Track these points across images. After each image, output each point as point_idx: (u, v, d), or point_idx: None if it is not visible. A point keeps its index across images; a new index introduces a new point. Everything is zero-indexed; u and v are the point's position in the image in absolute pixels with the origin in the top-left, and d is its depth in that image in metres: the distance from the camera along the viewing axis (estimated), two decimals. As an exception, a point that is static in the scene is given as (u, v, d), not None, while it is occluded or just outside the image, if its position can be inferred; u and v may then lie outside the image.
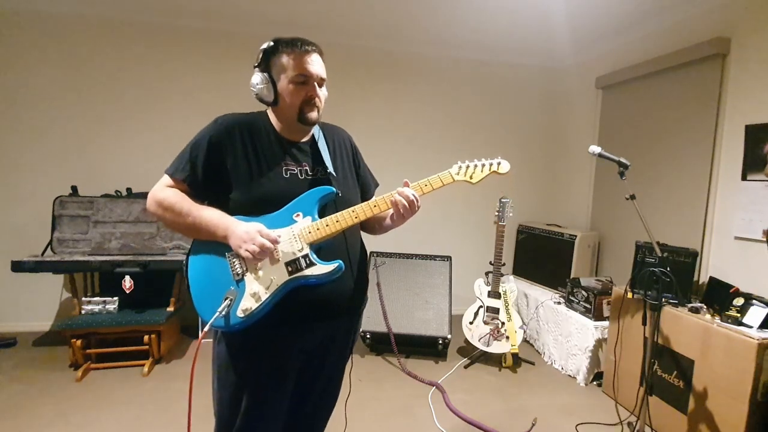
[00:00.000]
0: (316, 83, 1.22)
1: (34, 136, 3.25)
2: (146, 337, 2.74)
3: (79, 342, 2.67)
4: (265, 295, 1.14)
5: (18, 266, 2.71)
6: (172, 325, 3.02)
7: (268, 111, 1.30)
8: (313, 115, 1.23)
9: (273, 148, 1.24)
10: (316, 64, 1.21)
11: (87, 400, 2.40)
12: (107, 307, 2.79)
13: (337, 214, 1.20)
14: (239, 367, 1.21)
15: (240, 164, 1.19)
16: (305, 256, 1.17)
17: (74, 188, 3.11)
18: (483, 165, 1.28)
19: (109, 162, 3.35)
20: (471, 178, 1.27)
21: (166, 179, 1.21)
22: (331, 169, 1.28)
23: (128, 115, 3.39)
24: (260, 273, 1.16)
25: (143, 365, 2.77)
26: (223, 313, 1.11)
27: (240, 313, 1.13)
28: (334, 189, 1.22)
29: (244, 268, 1.17)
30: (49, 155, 3.28)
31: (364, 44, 3.71)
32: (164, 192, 1.18)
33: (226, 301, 1.13)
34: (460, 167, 1.27)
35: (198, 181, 1.19)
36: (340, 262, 1.17)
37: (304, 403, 1.38)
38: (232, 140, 1.20)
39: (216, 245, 1.17)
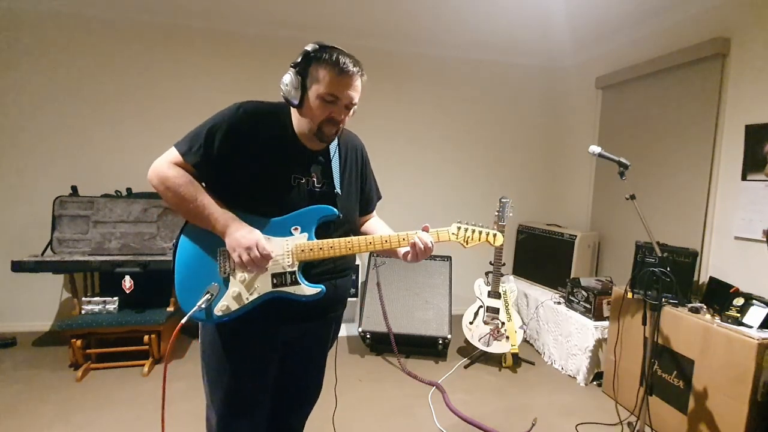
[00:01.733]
0: (344, 105, 1.18)
1: (34, 136, 3.25)
2: (146, 337, 2.74)
3: (79, 342, 2.67)
4: (246, 300, 1.17)
5: (18, 266, 2.70)
6: (172, 325, 3.01)
7: (292, 109, 1.24)
8: (331, 135, 1.21)
9: (288, 151, 1.22)
10: (352, 89, 1.17)
11: (87, 400, 2.40)
12: (107, 307, 2.79)
13: (334, 240, 1.20)
14: (221, 353, 1.23)
15: (253, 161, 1.17)
16: (292, 273, 1.18)
17: (74, 188, 3.11)
18: (480, 232, 1.32)
19: (109, 162, 3.35)
20: (466, 242, 1.32)
21: (175, 155, 1.16)
22: (338, 188, 1.27)
23: (128, 115, 3.39)
24: (246, 277, 1.17)
25: (143, 365, 2.77)
26: (203, 306, 1.13)
27: (218, 311, 1.16)
28: (336, 211, 1.22)
29: (232, 268, 1.17)
30: (49, 155, 3.28)
31: (364, 44, 3.71)
32: (170, 170, 1.14)
33: (207, 295, 1.15)
34: (459, 228, 1.31)
35: (207, 167, 1.17)
36: (323, 288, 1.20)
37: (286, 395, 1.41)
38: (250, 133, 1.17)
39: (209, 235, 1.17)
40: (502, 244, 1.35)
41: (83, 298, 2.80)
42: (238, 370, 1.24)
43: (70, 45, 3.25)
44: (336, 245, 1.20)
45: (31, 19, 3.16)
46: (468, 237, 1.32)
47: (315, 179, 1.25)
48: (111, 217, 3.05)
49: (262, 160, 1.18)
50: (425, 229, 1.25)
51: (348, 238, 1.22)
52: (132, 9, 3.22)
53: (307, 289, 1.19)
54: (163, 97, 3.43)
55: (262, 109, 1.22)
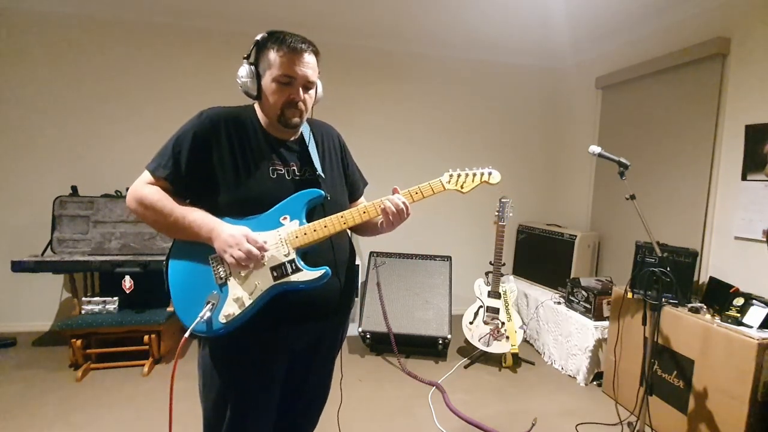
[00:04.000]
0: (301, 86, 1.15)
1: (34, 136, 3.25)
2: (146, 337, 2.74)
3: (79, 342, 2.67)
4: (248, 301, 1.12)
5: (18, 266, 2.70)
6: (172, 325, 3.01)
7: (255, 105, 1.24)
8: (295, 119, 1.18)
9: (260, 146, 1.19)
10: (304, 66, 1.14)
11: (87, 400, 2.40)
12: (107, 307, 2.79)
13: (326, 219, 1.17)
14: (224, 372, 1.18)
15: (226, 163, 1.14)
16: (291, 262, 1.14)
17: (74, 188, 3.11)
18: (474, 174, 1.28)
19: (109, 162, 3.35)
20: (462, 187, 1.28)
21: (147, 176, 1.15)
22: (320, 170, 1.24)
23: (128, 115, 3.39)
24: (244, 277, 1.13)
25: (143, 365, 2.77)
26: (205, 317, 1.09)
27: (222, 319, 1.11)
28: (322, 192, 1.19)
29: (228, 272, 1.13)
30: (49, 155, 3.28)
31: (364, 44, 3.71)
32: (145, 189, 1.13)
33: (208, 305, 1.10)
34: (452, 176, 1.27)
35: (180, 178, 1.14)
36: (327, 268, 1.15)
37: (294, 402, 1.38)
38: (218, 136, 1.15)
39: (198, 247, 1.14)
40: (499, 181, 1.28)
41: (83, 298, 2.80)
42: (245, 384, 1.19)
43: (70, 45, 3.25)
44: (329, 223, 1.17)
45: (32, 19, 3.16)
46: (463, 182, 1.27)
47: (295, 168, 1.22)
48: (111, 217, 3.05)
49: (234, 160, 1.15)
50: (395, 191, 1.22)
51: (340, 214, 1.18)
52: (132, 9, 3.22)
53: (310, 273, 1.13)
54: (163, 97, 3.43)
55: (226, 112, 1.20)
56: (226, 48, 3.49)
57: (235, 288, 1.13)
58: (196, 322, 1.08)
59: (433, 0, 2.89)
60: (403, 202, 1.20)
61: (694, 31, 2.73)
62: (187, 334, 1.10)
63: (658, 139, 3.03)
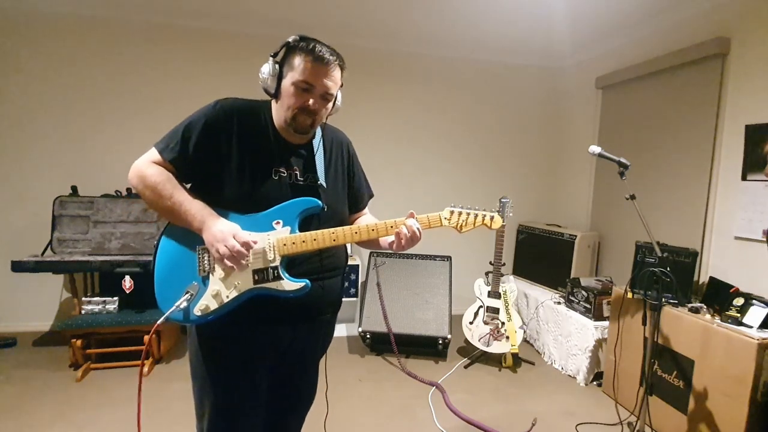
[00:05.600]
0: (319, 95, 1.16)
1: (34, 136, 3.25)
2: (146, 337, 2.74)
3: (79, 342, 2.67)
4: (226, 298, 1.13)
5: (18, 266, 2.71)
6: (172, 326, 3.02)
7: (272, 102, 1.24)
8: (306, 126, 1.18)
9: (269, 146, 1.20)
10: (327, 78, 1.15)
11: (87, 400, 2.40)
12: (107, 307, 2.79)
13: (317, 232, 1.17)
14: (207, 360, 1.20)
15: (231, 156, 1.15)
16: (274, 268, 1.14)
17: (74, 188, 3.11)
18: (476, 215, 1.25)
19: (109, 162, 3.34)
20: (460, 228, 1.25)
21: (154, 154, 1.15)
22: (322, 180, 1.24)
23: (128, 115, 3.39)
24: (227, 274, 1.14)
25: (143, 365, 2.77)
26: (181, 306, 1.10)
27: (197, 311, 1.12)
28: (320, 203, 1.19)
29: (212, 266, 1.15)
30: (49, 155, 3.28)
31: (364, 44, 3.71)
32: (149, 168, 1.13)
33: (186, 294, 1.11)
34: (452, 212, 1.25)
35: (185, 164, 1.15)
36: (307, 282, 1.15)
37: (281, 400, 1.38)
38: (229, 128, 1.16)
39: (190, 234, 1.15)
40: (501, 227, 1.28)
41: (83, 298, 2.80)
42: (226, 378, 1.20)
43: (71, 45, 3.25)
44: (319, 237, 1.16)
45: (32, 19, 3.16)
46: (462, 222, 1.24)
47: (297, 172, 1.22)
48: (111, 217, 3.05)
49: (241, 155, 1.16)
50: (411, 216, 1.21)
51: (332, 229, 1.18)
52: (133, 9, 3.22)
53: (290, 284, 1.14)
54: (163, 98, 3.42)
55: (241, 105, 1.21)
56: (226, 49, 3.49)
57: (215, 283, 1.14)
58: (171, 310, 1.10)
59: (433, 0, 2.89)
60: (418, 228, 1.19)
61: (694, 31, 2.73)
62: (161, 321, 1.11)
63: (658, 139, 3.03)
